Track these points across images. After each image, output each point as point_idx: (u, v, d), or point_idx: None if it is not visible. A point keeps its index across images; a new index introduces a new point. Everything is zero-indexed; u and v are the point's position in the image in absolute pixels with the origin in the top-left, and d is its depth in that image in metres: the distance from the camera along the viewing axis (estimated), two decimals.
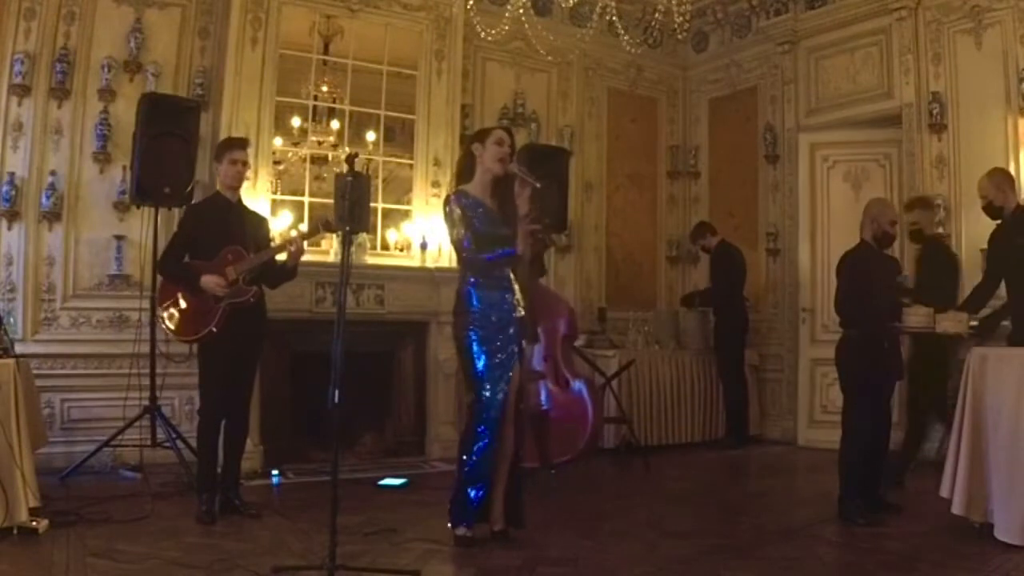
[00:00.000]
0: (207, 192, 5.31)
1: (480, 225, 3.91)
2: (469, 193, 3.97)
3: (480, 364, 3.88)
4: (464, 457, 3.91)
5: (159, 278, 4.79)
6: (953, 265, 5.67)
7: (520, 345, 4.00)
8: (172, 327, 4.47)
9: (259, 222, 4.77)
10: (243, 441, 4.63)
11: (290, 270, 4.61)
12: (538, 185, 4.04)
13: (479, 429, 3.87)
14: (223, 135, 5.52)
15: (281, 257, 4.58)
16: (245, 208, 4.71)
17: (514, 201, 4.00)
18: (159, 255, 4.93)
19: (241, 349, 4.44)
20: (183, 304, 4.41)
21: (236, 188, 4.60)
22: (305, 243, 4.58)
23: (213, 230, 4.45)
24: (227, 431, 4.51)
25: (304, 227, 5.96)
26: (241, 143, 4.69)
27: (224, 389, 4.40)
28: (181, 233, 4.60)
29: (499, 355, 3.89)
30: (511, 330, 3.94)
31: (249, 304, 4.40)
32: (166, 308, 4.46)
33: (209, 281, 4.31)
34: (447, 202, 4.00)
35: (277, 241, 4.91)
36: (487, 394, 3.86)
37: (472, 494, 3.89)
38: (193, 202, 5.20)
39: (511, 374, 3.92)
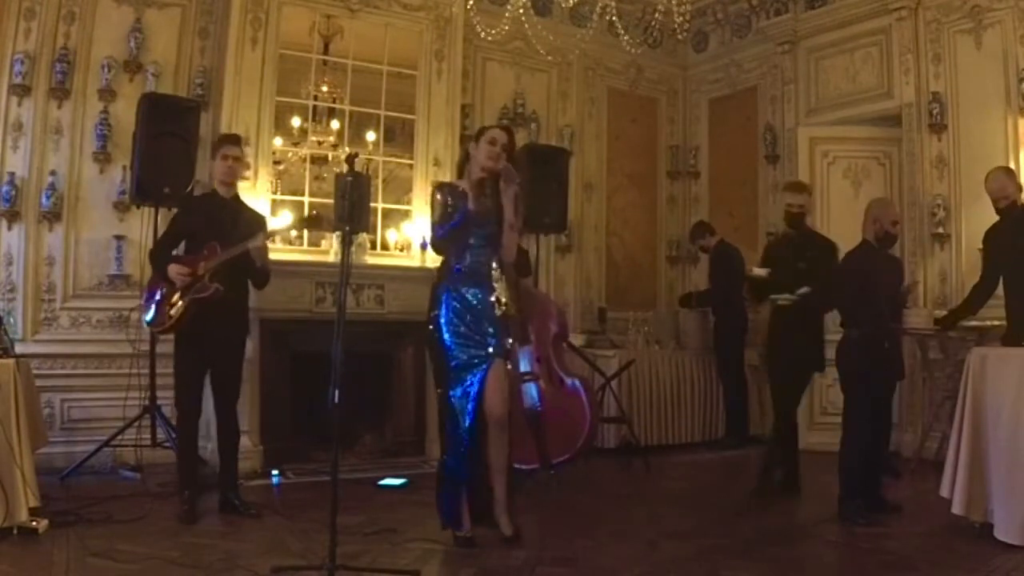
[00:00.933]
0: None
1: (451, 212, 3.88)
2: (455, 185, 4.00)
3: (451, 362, 3.87)
4: (443, 457, 3.97)
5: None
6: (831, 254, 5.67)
7: (502, 345, 3.93)
8: (146, 316, 4.56)
9: (254, 219, 4.68)
10: (236, 441, 4.66)
11: (259, 270, 4.54)
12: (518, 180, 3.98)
13: (449, 428, 3.90)
14: None
15: None
16: (242, 205, 4.71)
17: (500, 200, 3.95)
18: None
19: (215, 349, 4.45)
20: (159, 296, 4.47)
21: (229, 184, 4.61)
22: (269, 242, 4.59)
23: (203, 225, 4.49)
24: (219, 433, 4.56)
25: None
26: (233, 139, 4.73)
27: (196, 386, 4.44)
28: (172, 225, 4.69)
29: (471, 353, 3.84)
30: (488, 328, 3.88)
31: (211, 300, 4.33)
32: (148, 299, 4.53)
33: (171, 270, 4.37)
34: (432, 191, 4.07)
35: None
36: (455, 392, 3.85)
37: (449, 492, 3.89)
38: (186, 195, 5.22)
39: (486, 373, 3.83)
